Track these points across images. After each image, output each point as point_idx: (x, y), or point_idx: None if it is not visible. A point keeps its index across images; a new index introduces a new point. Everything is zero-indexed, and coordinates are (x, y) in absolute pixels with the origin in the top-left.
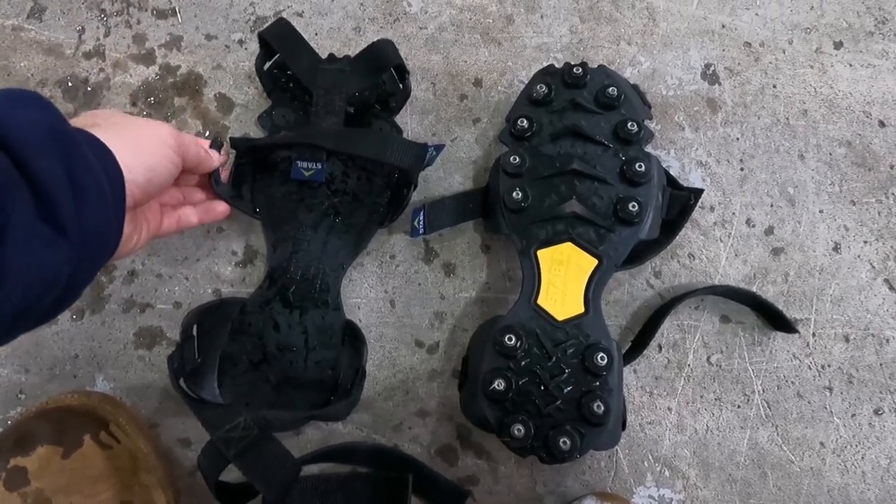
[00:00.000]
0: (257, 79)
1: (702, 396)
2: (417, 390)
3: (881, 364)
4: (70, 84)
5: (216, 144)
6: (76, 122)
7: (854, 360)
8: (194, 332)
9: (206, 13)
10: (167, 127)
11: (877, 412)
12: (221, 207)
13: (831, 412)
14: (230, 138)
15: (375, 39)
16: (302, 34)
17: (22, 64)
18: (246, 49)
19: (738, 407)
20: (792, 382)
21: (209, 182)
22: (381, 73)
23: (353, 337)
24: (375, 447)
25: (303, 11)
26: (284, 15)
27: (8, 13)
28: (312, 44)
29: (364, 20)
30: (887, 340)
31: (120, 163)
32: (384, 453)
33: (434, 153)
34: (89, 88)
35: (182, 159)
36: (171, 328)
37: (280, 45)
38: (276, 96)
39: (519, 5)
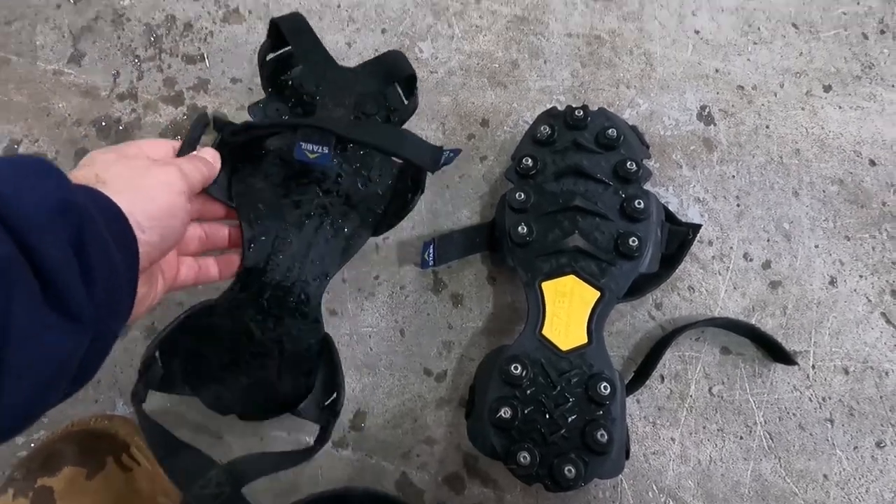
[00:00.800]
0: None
1: (704, 427)
2: (426, 418)
3: (881, 397)
4: (104, 124)
5: (200, 121)
6: (77, 175)
7: (854, 392)
8: (157, 358)
9: (231, 58)
10: (174, 169)
11: (879, 445)
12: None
13: (833, 444)
14: (214, 118)
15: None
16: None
17: (61, 105)
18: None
19: (741, 438)
20: (793, 414)
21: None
22: (391, 82)
23: (329, 358)
24: (368, 493)
25: None
26: None
27: (50, 59)
28: None
29: None
30: (886, 373)
31: (132, 223)
32: (377, 500)
33: (451, 155)
34: (121, 127)
35: (192, 193)
36: None
37: (293, 37)
38: (272, 90)
39: (523, 51)
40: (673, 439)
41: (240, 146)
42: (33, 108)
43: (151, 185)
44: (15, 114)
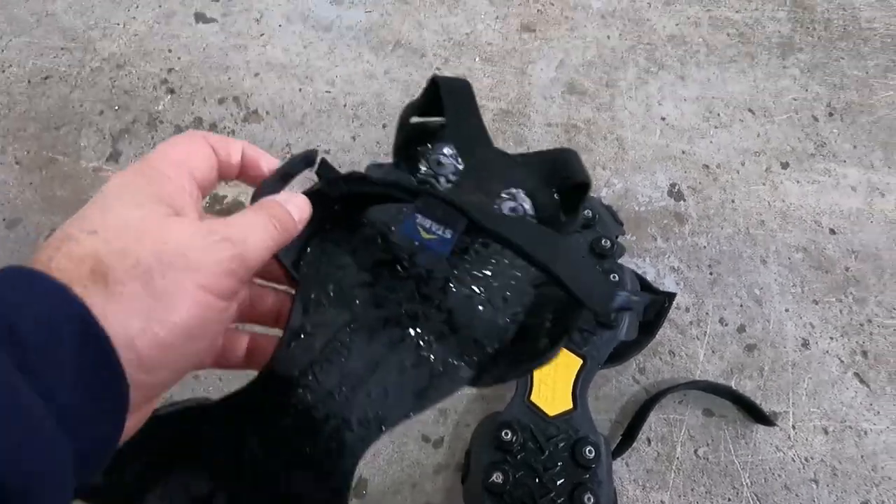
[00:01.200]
0: (399, 117)
1: (693, 489)
2: (424, 484)
3: (862, 456)
4: None
5: (304, 157)
6: (70, 256)
7: (835, 452)
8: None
9: None
10: (225, 256)
11: None
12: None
13: None
14: (321, 161)
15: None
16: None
17: None
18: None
19: (729, 500)
20: (778, 475)
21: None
22: (554, 183)
23: None
24: None
25: (330, 149)
26: None
27: (91, 157)
28: None
29: (380, 155)
30: (865, 433)
31: (128, 359)
32: None
33: (637, 301)
34: None
35: (248, 280)
36: None
37: (451, 106)
38: (403, 159)
39: (509, 140)
40: (663, 502)
41: (336, 204)
42: (74, 201)
43: (180, 290)
44: (57, 207)
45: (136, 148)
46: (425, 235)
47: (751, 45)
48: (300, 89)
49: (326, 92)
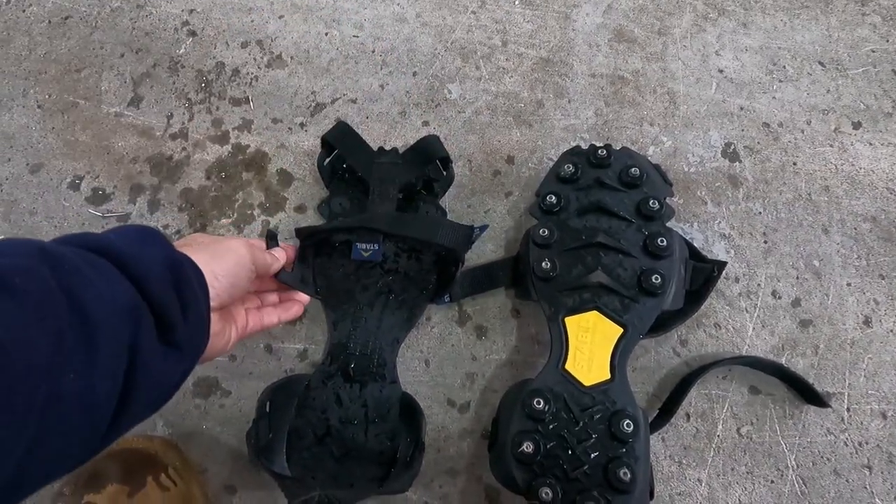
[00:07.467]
0: (316, 164)
1: (733, 469)
2: (448, 448)
3: None
4: (156, 161)
5: (272, 239)
6: (176, 245)
7: (893, 437)
8: (267, 409)
9: (274, 101)
10: (243, 243)
11: None
12: (296, 308)
13: (872, 493)
14: (295, 229)
15: (420, 123)
16: (355, 119)
17: (120, 144)
18: (306, 131)
19: (772, 482)
20: (828, 459)
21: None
22: (428, 165)
23: (409, 409)
24: None
25: (356, 98)
26: (340, 102)
27: (112, 102)
28: (363, 126)
29: (409, 105)
30: None
31: (208, 273)
32: None
33: (479, 233)
34: (172, 164)
35: (255, 267)
36: (226, 379)
37: (340, 143)
38: (333, 186)
39: (548, 91)
40: (700, 480)
41: (314, 246)
42: (95, 146)
43: (224, 250)
44: (79, 152)
45: (156, 93)
46: (365, 254)
47: None
48: (326, 33)
49: (354, 36)
